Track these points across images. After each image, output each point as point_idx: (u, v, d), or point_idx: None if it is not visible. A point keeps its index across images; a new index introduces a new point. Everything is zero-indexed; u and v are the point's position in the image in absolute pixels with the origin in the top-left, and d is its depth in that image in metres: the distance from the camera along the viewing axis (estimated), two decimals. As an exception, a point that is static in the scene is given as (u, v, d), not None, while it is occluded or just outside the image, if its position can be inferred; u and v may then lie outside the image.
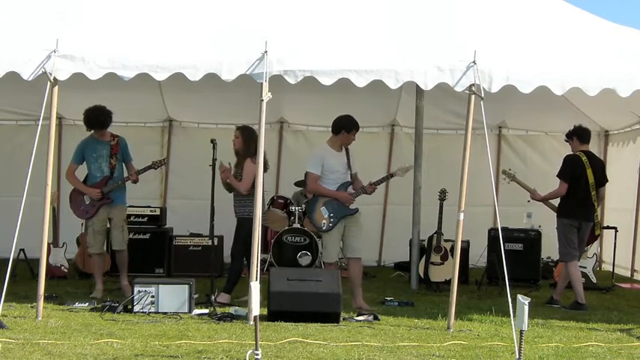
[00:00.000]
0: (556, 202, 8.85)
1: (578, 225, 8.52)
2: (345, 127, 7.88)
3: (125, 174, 8.45)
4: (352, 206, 7.80)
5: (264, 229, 10.35)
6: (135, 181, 8.49)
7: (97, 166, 8.36)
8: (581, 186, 8.48)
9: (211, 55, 7.04)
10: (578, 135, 8.75)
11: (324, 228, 7.73)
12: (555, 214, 8.80)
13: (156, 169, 8.86)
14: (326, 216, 7.71)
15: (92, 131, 8.47)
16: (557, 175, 8.61)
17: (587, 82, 7.06)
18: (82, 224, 9.25)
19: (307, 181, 7.86)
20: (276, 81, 6.95)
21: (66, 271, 9.52)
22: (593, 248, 10.37)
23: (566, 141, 8.96)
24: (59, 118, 11.10)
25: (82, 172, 8.53)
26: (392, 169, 8.44)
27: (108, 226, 8.50)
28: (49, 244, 8.81)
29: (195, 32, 7.46)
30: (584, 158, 8.56)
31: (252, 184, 7.50)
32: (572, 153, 8.73)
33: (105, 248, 8.73)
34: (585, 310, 8.08)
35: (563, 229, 8.53)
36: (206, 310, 7.28)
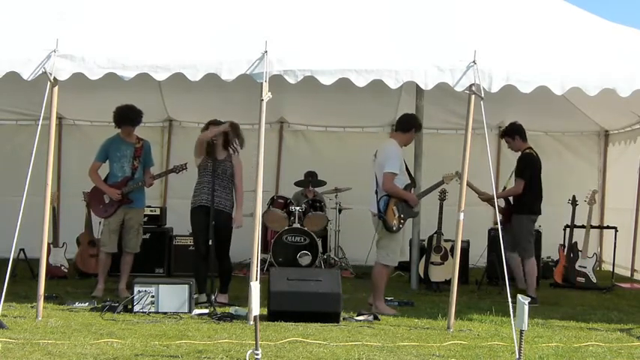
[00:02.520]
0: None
1: (536, 219, 8.76)
2: (415, 126, 7.85)
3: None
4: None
5: (264, 229, 10.36)
6: (149, 185, 8.57)
7: (120, 166, 8.40)
8: (539, 181, 8.70)
9: (211, 55, 7.04)
10: (520, 133, 8.84)
11: (394, 228, 7.54)
12: (501, 215, 8.85)
13: (177, 173, 8.87)
14: (396, 216, 7.58)
15: (119, 130, 8.48)
16: (518, 175, 8.64)
17: (587, 82, 7.05)
18: (86, 222, 9.29)
19: (387, 181, 7.53)
20: (276, 81, 6.95)
21: (66, 271, 9.52)
22: (592, 248, 10.39)
23: (503, 138, 9.00)
24: (59, 118, 11.12)
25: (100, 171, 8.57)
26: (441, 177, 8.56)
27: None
28: (49, 244, 8.81)
29: (195, 32, 7.46)
30: (535, 154, 8.76)
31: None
32: (526, 151, 8.81)
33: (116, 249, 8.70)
34: (536, 304, 8.15)
35: (528, 225, 8.67)
36: (206, 310, 7.28)
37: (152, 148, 11.25)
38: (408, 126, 7.85)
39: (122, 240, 8.51)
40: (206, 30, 7.49)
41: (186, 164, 8.71)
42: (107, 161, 8.50)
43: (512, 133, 8.87)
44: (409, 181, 7.82)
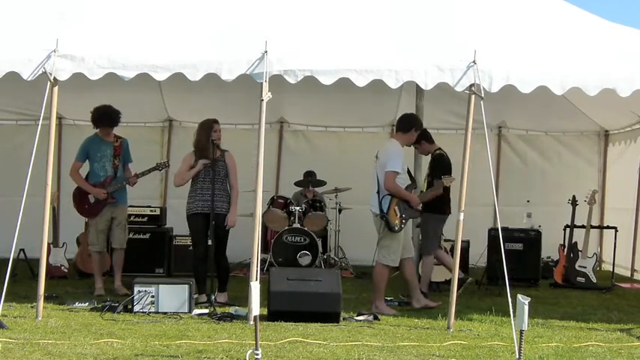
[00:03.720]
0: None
1: (446, 218, 8.71)
2: (415, 125, 7.83)
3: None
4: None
5: (264, 229, 10.35)
6: (133, 184, 8.60)
7: (101, 166, 8.46)
8: None
9: (211, 55, 7.04)
10: (425, 137, 8.74)
11: (396, 228, 7.55)
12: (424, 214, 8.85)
13: (160, 170, 8.93)
14: (398, 216, 7.58)
15: (97, 130, 8.54)
16: (436, 176, 8.52)
17: (587, 82, 7.05)
18: (86, 222, 9.30)
19: (389, 180, 7.55)
20: (276, 81, 6.95)
21: (66, 271, 9.52)
22: (592, 248, 10.39)
23: (412, 146, 8.84)
24: (59, 118, 11.13)
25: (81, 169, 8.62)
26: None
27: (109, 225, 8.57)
28: (49, 244, 8.82)
29: (195, 32, 7.46)
30: (445, 154, 8.71)
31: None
32: (437, 152, 8.75)
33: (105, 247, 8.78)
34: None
35: (434, 224, 8.67)
36: (206, 310, 7.29)
37: (152, 148, 11.31)
38: (408, 126, 7.85)
39: (110, 237, 8.62)
40: (206, 30, 7.49)
41: (167, 162, 8.76)
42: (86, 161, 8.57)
43: (418, 139, 8.74)
44: (410, 182, 7.82)
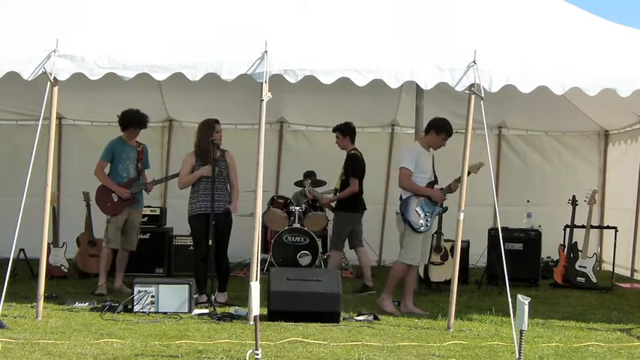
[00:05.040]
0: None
1: (359, 216, 8.96)
2: (434, 128, 7.79)
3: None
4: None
5: (264, 229, 10.35)
6: (149, 191, 8.82)
7: (125, 167, 8.62)
8: (362, 181, 8.88)
9: (211, 55, 7.03)
10: (352, 135, 9.07)
11: (421, 229, 7.50)
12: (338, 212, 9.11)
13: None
14: (422, 215, 7.54)
15: (122, 133, 8.69)
16: (352, 175, 8.83)
17: (587, 82, 7.05)
18: (86, 221, 9.32)
19: (401, 177, 7.58)
20: (276, 81, 6.95)
21: (66, 271, 9.52)
22: (592, 248, 10.39)
23: (334, 132, 9.17)
24: (59, 118, 11.12)
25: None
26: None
27: None
28: (49, 244, 8.82)
29: (195, 32, 7.45)
30: (360, 155, 8.92)
31: None
32: (352, 152, 9.02)
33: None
34: (372, 292, 8.60)
35: (344, 221, 8.96)
36: (206, 310, 7.29)
37: (152, 148, 11.33)
38: (428, 128, 7.89)
39: (123, 237, 8.67)
40: (206, 30, 7.49)
41: None
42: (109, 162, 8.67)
43: (346, 132, 9.05)
44: (432, 179, 7.79)
